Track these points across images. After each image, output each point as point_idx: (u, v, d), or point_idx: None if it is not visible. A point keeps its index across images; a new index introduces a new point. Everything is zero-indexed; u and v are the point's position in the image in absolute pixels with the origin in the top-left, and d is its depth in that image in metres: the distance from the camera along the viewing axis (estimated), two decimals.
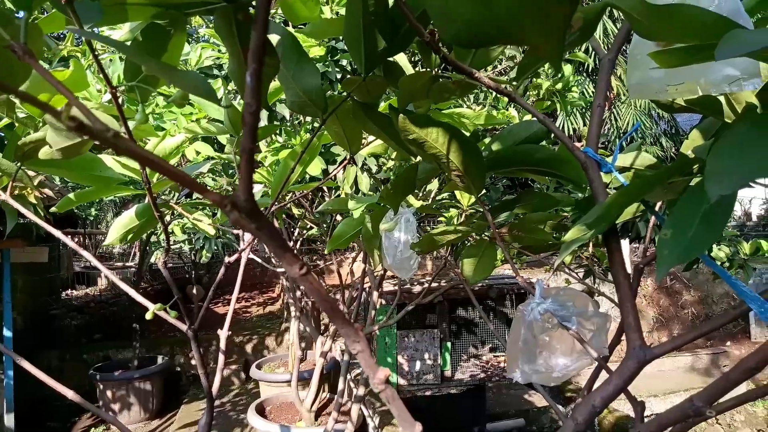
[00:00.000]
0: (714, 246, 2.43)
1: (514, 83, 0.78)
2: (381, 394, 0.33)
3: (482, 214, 1.08)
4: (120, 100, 1.03)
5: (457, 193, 1.65)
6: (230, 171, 2.33)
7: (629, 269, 0.73)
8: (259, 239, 0.25)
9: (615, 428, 2.50)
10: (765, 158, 0.38)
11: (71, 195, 1.16)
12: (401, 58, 1.03)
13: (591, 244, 1.79)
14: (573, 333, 0.77)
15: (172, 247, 5.66)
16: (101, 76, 0.65)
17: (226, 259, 0.89)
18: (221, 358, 1.06)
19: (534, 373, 0.81)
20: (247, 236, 1.37)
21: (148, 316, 0.84)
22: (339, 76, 1.61)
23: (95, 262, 1.08)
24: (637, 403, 0.64)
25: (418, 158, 0.98)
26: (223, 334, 1.06)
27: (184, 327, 0.84)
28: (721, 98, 0.74)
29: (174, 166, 0.28)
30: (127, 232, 1.26)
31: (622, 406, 3.74)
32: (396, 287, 2.74)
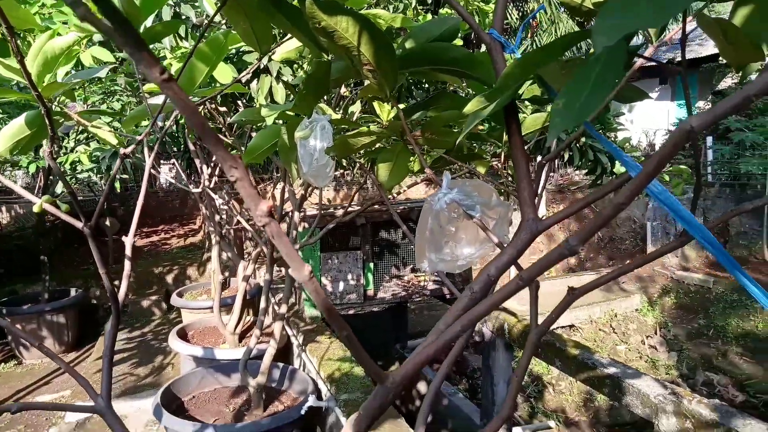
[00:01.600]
0: (618, 165, 2.59)
1: None
2: (266, 228, 0.33)
3: (396, 115, 1.08)
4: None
5: (376, 107, 1.63)
6: (135, 84, 2.17)
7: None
8: (110, 34, 0.23)
9: (523, 335, 2.72)
10: (644, 11, 0.40)
11: None
12: None
13: (504, 157, 1.84)
14: (477, 221, 0.80)
15: (79, 176, 5.29)
16: None
17: (122, 150, 0.84)
18: (127, 264, 1.02)
19: (440, 261, 0.84)
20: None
21: (36, 209, 0.78)
22: None
23: (8, 183, 0.97)
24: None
25: (332, 57, 0.94)
26: (128, 240, 1.02)
27: (79, 225, 0.79)
28: None
29: None
30: (17, 142, 1.16)
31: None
32: (318, 211, 2.74)
